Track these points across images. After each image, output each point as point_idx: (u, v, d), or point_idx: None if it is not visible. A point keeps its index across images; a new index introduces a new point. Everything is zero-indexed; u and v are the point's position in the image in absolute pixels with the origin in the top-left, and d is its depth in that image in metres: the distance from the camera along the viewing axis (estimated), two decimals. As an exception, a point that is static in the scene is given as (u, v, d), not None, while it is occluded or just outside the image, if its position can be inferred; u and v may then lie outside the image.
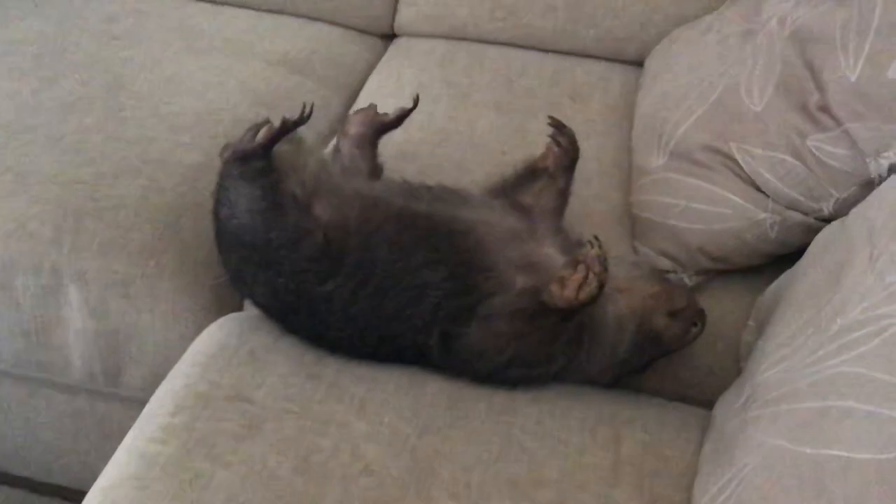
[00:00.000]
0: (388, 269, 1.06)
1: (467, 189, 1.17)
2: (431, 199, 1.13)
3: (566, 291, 1.01)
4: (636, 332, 1.09)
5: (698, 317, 1.12)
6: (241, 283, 1.14)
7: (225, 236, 1.12)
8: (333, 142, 1.32)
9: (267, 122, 1.10)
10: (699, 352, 1.18)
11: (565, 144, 1.16)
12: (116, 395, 1.33)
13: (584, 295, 1.01)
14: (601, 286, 1.01)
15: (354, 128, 1.24)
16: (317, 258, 1.06)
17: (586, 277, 1.00)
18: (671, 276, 1.23)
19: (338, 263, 1.06)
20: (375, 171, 1.23)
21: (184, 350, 1.13)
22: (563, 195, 1.19)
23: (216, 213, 1.12)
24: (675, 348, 1.13)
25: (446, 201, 1.13)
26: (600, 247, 1.02)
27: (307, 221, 1.07)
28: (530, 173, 1.19)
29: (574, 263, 1.02)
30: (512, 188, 1.19)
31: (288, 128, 1.09)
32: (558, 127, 1.17)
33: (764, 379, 0.97)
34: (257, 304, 1.15)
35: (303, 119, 1.10)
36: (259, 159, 1.08)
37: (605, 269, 1.01)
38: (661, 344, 1.11)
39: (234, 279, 1.14)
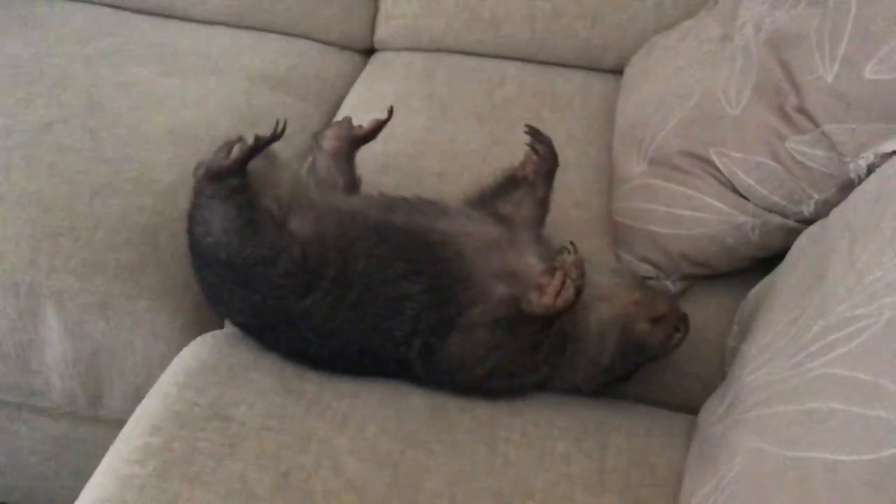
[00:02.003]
0: (367, 283, 1.05)
1: (445, 200, 1.17)
2: (409, 210, 1.12)
3: (544, 298, 1.01)
4: (619, 340, 1.08)
5: (681, 322, 1.11)
6: (219, 301, 1.13)
7: (200, 255, 1.11)
8: (310, 157, 1.32)
9: (240, 139, 1.09)
10: (684, 357, 1.17)
11: (543, 152, 1.16)
12: (98, 418, 1.31)
13: (561, 301, 1.01)
14: (578, 292, 1.01)
15: (329, 142, 1.24)
16: (294, 273, 1.06)
17: (563, 284, 1.00)
18: (654, 282, 1.22)
19: (316, 278, 1.06)
20: (352, 184, 1.22)
21: (164, 370, 1.12)
22: (543, 204, 1.18)
23: (191, 232, 1.11)
24: (659, 355, 1.12)
25: (424, 213, 1.13)
26: (577, 252, 1.02)
27: (283, 237, 1.07)
28: (509, 182, 1.18)
29: (551, 270, 1.02)
30: (491, 198, 1.18)
31: (261, 145, 1.08)
32: (535, 135, 1.16)
33: (747, 383, 0.96)
34: (235, 322, 1.14)
35: (276, 136, 1.09)
36: (233, 177, 1.07)
37: (582, 275, 1.01)
38: (645, 351, 1.10)
39: (210, 298, 1.13)
